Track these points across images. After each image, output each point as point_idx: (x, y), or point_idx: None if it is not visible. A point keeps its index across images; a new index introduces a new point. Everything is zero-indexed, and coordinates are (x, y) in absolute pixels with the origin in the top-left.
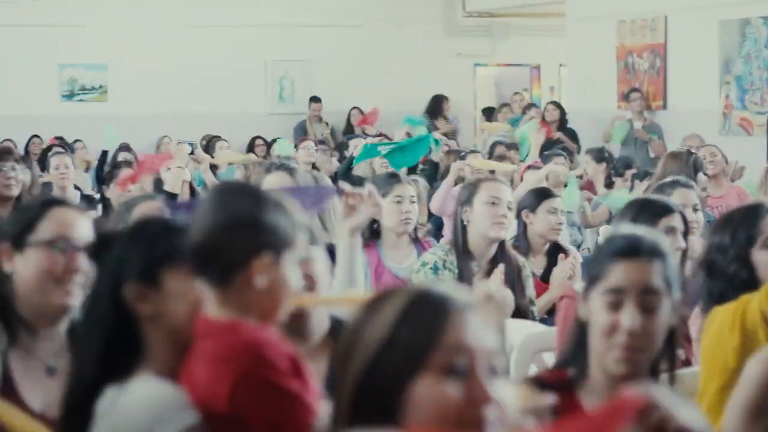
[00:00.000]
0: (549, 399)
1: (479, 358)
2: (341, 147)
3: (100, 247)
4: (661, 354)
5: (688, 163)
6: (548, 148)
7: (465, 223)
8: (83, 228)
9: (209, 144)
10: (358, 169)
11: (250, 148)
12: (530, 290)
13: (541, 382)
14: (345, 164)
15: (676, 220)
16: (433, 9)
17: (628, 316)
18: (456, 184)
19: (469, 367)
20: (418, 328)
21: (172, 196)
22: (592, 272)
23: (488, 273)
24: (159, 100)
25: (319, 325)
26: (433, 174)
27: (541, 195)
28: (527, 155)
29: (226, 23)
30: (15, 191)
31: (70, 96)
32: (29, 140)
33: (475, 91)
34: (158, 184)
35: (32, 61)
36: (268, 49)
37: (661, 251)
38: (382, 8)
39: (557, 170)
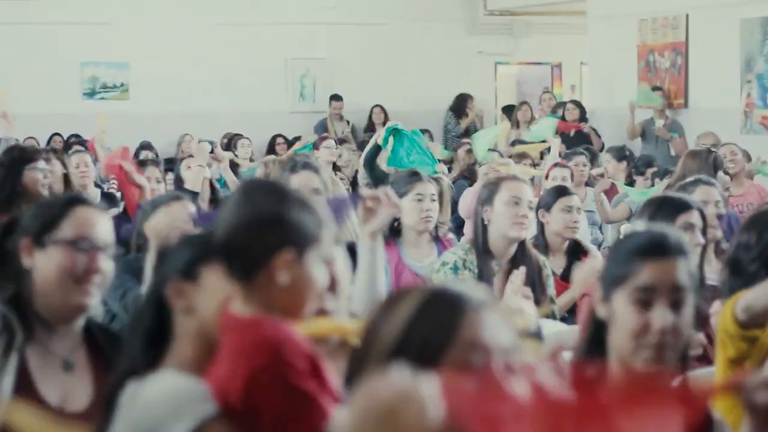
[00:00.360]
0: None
1: (495, 356)
2: (362, 145)
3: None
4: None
5: (708, 162)
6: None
7: (485, 222)
8: (105, 228)
9: (230, 142)
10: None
11: (271, 146)
12: (551, 289)
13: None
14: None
15: (694, 217)
16: (454, 7)
17: (661, 316)
18: None
19: (485, 364)
20: (435, 325)
21: (192, 195)
22: (615, 272)
23: (508, 272)
24: (180, 99)
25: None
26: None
27: (557, 193)
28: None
29: (248, 21)
30: (46, 191)
31: (91, 94)
32: (50, 138)
33: (497, 89)
34: (179, 182)
35: (54, 59)
36: (289, 47)
37: (685, 249)
38: (403, 7)
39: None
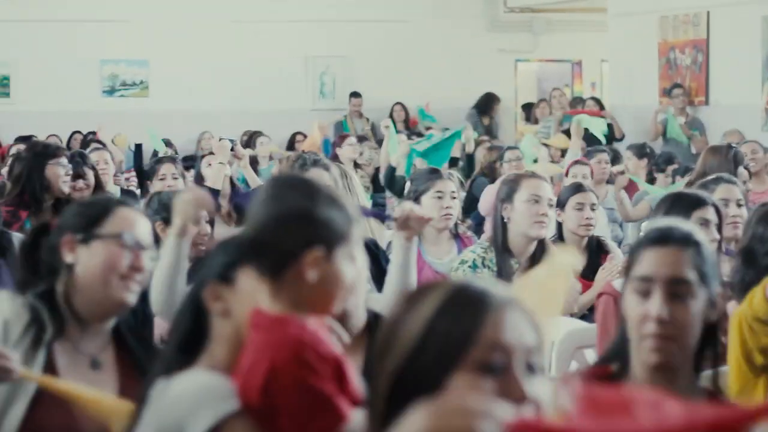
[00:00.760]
0: None
1: (517, 356)
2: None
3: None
4: (702, 348)
5: (728, 158)
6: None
7: (505, 220)
8: (145, 230)
9: (250, 140)
10: (399, 169)
11: (291, 143)
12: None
13: (583, 378)
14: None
15: (709, 213)
16: (474, 4)
17: (655, 304)
18: None
19: (505, 364)
20: (456, 323)
21: (213, 192)
22: (627, 264)
23: (528, 271)
24: (200, 96)
25: (356, 319)
26: (470, 169)
27: (570, 190)
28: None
29: (268, 19)
30: (68, 187)
31: (111, 92)
32: (71, 136)
33: (517, 86)
34: (200, 179)
35: (74, 56)
36: (309, 45)
37: (693, 240)
38: (423, 4)
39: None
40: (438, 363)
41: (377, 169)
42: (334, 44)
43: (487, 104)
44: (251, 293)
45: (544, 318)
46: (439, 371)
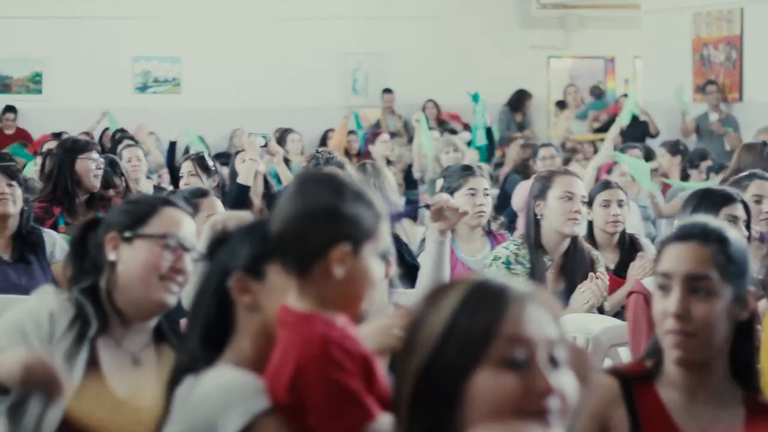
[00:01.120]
0: None
1: (539, 349)
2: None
3: (216, 246)
4: (734, 348)
5: (763, 155)
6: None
7: (538, 217)
8: (190, 231)
9: (282, 137)
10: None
11: (323, 140)
12: (604, 285)
13: (619, 373)
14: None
15: (738, 210)
16: (507, 1)
17: (672, 299)
18: None
19: (528, 358)
20: (476, 319)
21: (244, 189)
22: (654, 261)
23: (560, 268)
24: (232, 93)
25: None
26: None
27: (598, 188)
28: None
29: (300, 16)
30: (98, 182)
31: (143, 88)
32: (102, 133)
33: (549, 83)
34: (233, 176)
35: (106, 53)
36: (341, 42)
37: (716, 237)
38: (456, 0)
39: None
40: (460, 360)
41: (409, 166)
42: (366, 41)
43: (519, 101)
44: (282, 289)
45: None
46: (461, 368)
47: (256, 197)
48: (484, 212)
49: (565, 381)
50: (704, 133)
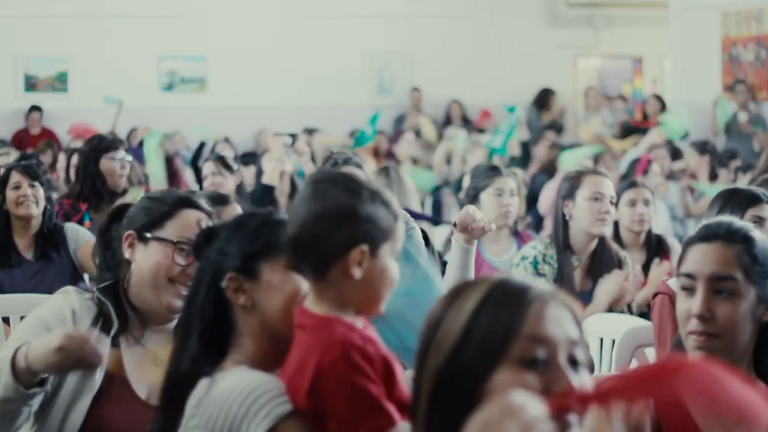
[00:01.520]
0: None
1: (559, 349)
2: (440, 139)
3: (205, 242)
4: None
5: None
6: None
7: (567, 217)
8: None
9: (308, 136)
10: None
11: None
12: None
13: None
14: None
15: (764, 211)
16: (535, 0)
17: (696, 300)
18: None
19: (549, 357)
20: (496, 319)
21: (268, 189)
22: (678, 261)
23: (588, 268)
24: (258, 92)
25: None
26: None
27: (624, 186)
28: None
29: (326, 14)
30: (124, 181)
31: (169, 88)
32: (129, 133)
33: (577, 83)
34: (259, 175)
35: (132, 52)
36: (368, 41)
37: (741, 237)
38: None
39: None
40: (480, 360)
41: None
42: (393, 40)
43: (543, 99)
44: (279, 287)
45: None
46: (481, 368)
47: (283, 197)
48: (510, 212)
49: (584, 382)
50: (733, 133)
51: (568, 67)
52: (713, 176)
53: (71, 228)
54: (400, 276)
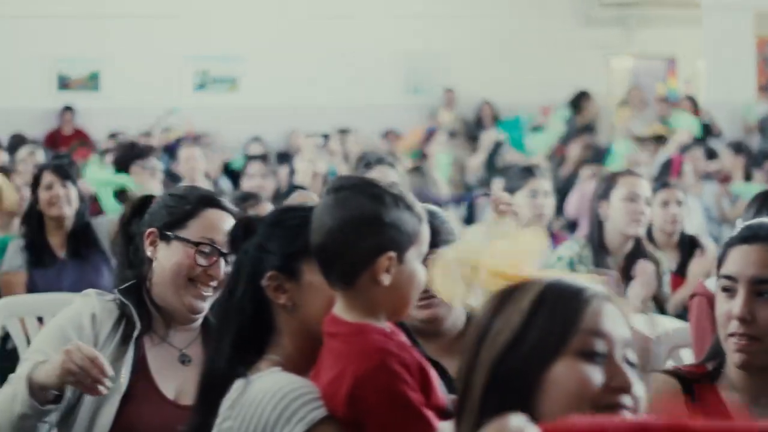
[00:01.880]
0: None
1: (616, 346)
2: (473, 140)
3: (243, 235)
4: None
5: None
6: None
7: (602, 218)
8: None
9: (341, 136)
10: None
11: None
12: (666, 286)
13: (679, 375)
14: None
15: None
16: (568, 0)
17: (737, 303)
18: None
19: (607, 352)
20: (556, 313)
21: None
22: (717, 263)
23: (624, 269)
24: (291, 92)
25: (456, 321)
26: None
27: (657, 188)
28: None
29: (359, 14)
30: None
31: (201, 87)
32: (162, 132)
33: (610, 83)
34: (292, 175)
35: (165, 52)
36: (401, 41)
37: None
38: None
39: None
40: (539, 352)
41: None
42: (426, 40)
43: (580, 102)
44: (319, 288)
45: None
46: (539, 360)
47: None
48: (544, 213)
49: (637, 382)
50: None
51: (601, 68)
52: (748, 176)
53: (98, 223)
54: None
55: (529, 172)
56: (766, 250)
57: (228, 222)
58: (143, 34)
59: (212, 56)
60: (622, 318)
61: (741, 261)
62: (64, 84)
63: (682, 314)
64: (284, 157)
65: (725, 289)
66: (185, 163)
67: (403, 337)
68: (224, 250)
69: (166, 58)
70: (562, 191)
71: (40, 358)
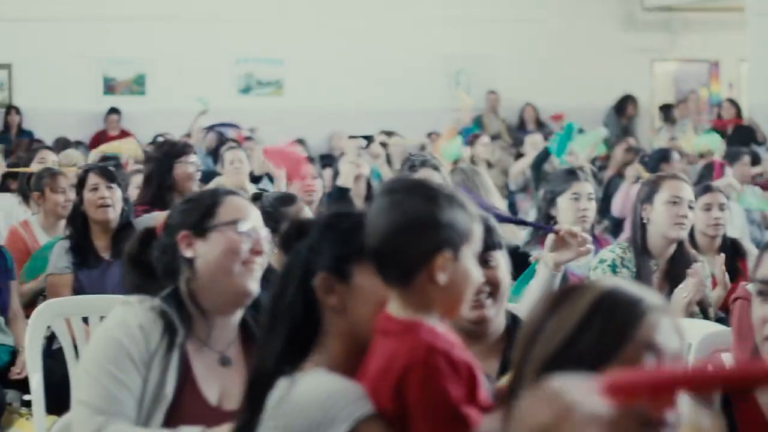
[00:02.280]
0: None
1: (666, 360)
2: (517, 143)
3: (294, 236)
4: None
5: None
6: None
7: (645, 221)
8: (257, 215)
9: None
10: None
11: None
12: (709, 290)
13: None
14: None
15: None
16: (611, 4)
17: None
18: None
19: (656, 365)
20: (613, 320)
21: (343, 191)
22: (754, 267)
23: (666, 272)
24: (334, 95)
25: (497, 325)
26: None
27: (699, 191)
28: None
29: (403, 18)
30: (197, 185)
31: (246, 90)
32: (206, 134)
33: (653, 87)
34: (335, 177)
35: (209, 55)
36: (444, 44)
37: None
38: (559, 3)
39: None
40: (592, 355)
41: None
42: (470, 43)
43: (625, 106)
44: (369, 292)
45: None
46: (591, 363)
47: (358, 199)
48: (587, 217)
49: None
50: None
51: (644, 72)
52: None
53: (141, 223)
54: None
55: (572, 174)
56: None
57: (251, 208)
58: (189, 37)
59: (257, 59)
60: (677, 331)
61: None
62: (109, 87)
63: (722, 318)
64: (327, 159)
65: (761, 293)
66: (230, 165)
67: (454, 336)
68: (260, 228)
69: (211, 61)
70: (605, 194)
71: (108, 382)
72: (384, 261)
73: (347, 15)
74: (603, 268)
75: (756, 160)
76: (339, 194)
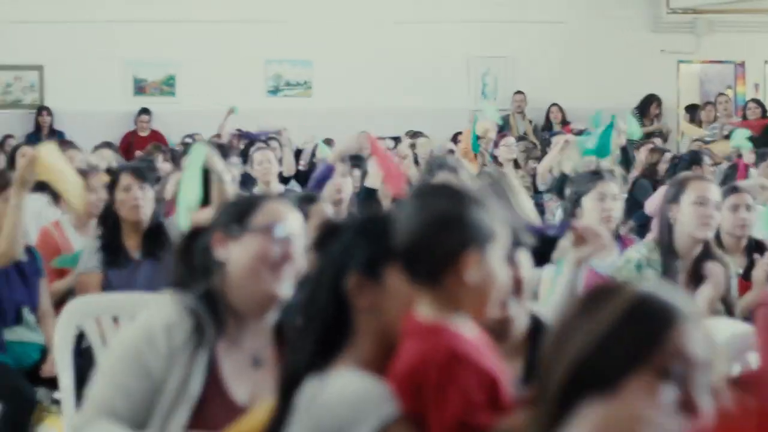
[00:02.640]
0: None
1: (696, 370)
2: (543, 143)
3: (327, 237)
4: None
5: None
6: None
7: (671, 221)
8: (296, 221)
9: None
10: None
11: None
12: (734, 290)
13: (744, 382)
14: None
15: None
16: (637, 5)
17: None
18: None
19: (686, 376)
20: (645, 326)
21: (371, 191)
22: None
23: (692, 272)
24: (362, 96)
25: (519, 325)
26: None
27: (725, 192)
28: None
29: (429, 19)
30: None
31: (275, 91)
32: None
33: (679, 88)
34: (364, 177)
35: (239, 57)
36: (470, 45)
37: None
38: (585, 4)
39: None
40: (620, 362)
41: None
42: (496, 45)
43: (648, 106)
44: (401, 292)
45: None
46: (619, 370)
47: (386, 199)
48: (612, 217)
49: (708, 409)
50: None
51: (671, 73)
52: None
53: (171, 223)
54: None
55: (597, 175)
56: None
57: (290, 213)
58: (218, 39)
59: (286, 60)
60: (708, 341)
61: None
62: (139, 88)
63: (750, 318)
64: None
65: None
66: (259, 166)
67: (482, 338)
68: (295, 235)
69: (240, 63)
70: (631, 195)
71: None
72: (412, 261)
73: (375, 17)
74: (629, 267)
75: None
76: (367, 195)
